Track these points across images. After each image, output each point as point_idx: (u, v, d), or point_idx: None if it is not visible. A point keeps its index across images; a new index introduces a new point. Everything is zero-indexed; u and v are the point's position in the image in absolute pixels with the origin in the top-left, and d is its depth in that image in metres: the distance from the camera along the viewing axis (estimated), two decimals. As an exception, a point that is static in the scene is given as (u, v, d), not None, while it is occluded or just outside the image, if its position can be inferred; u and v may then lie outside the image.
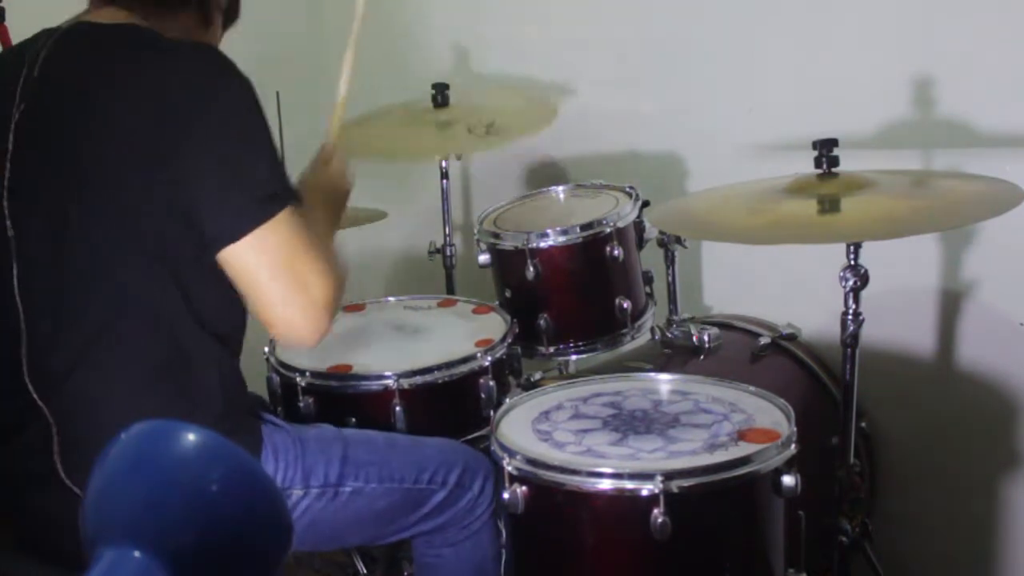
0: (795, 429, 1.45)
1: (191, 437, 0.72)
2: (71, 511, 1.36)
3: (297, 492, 1.52)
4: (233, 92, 1.39)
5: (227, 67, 1.40)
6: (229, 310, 1.48)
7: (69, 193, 1.38)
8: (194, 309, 1.42)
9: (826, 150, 1.64)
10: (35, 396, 1.40)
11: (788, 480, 1.40)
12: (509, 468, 1.44)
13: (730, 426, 1.49)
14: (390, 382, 1.75)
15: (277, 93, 2.17)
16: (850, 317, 1.63)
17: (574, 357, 2.09)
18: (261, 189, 1.37)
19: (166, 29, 1.46)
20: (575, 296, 2.08)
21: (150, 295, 1.40)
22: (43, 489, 1.40)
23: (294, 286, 1.37)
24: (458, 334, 1.93)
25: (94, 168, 1.38)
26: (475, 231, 2.14)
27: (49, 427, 1.39)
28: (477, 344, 1.86)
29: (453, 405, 1.81)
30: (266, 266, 1.36)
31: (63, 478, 1.38)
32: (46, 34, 1.46)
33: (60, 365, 1.40)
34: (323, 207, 1.59)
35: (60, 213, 1.38)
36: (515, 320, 1.94)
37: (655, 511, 1.33)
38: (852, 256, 1.61)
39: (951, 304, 2.09)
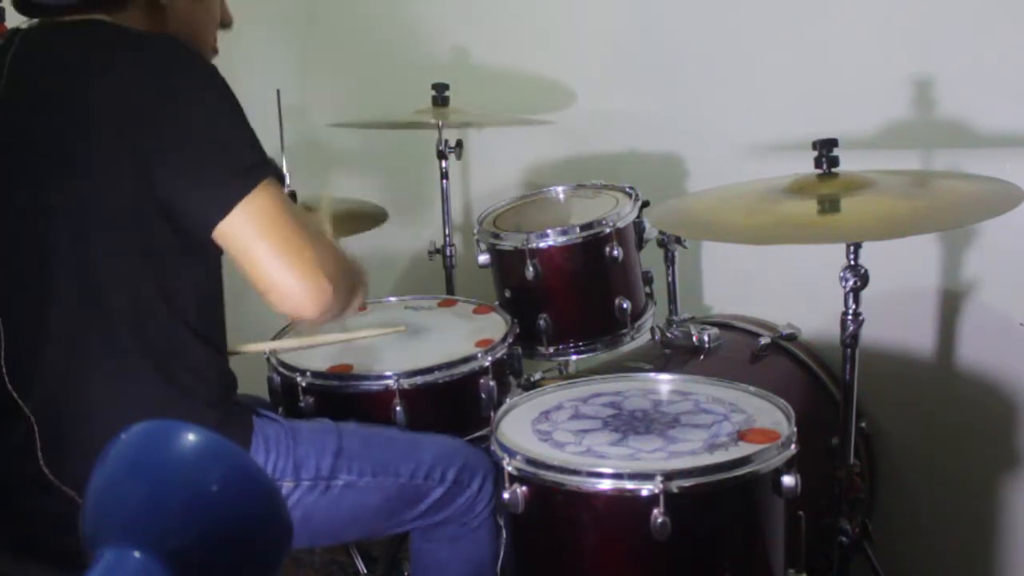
0: (795, 429, 1.45)
1: (191, 437, 0.72)
2: (60, 510, 1.37)
3: (288, 484, 1.52)
4: (195, 76, 1.39)
5: (187, 53, 1.41)
6: (211, 304, 1.49)
7: (47, 188, 1.39)
8: (175, 304, 1.42)
9: (826, 150, 1.64)
10: (14, 394, 1.39)
11: (788, 480, 1.40)
12: (509, 468, 1.44)
13: (730, 426, 1.50)
14: (391, 382, 1.75)
15: (278, 92, 2.18)
16: (850, 317, 1.63)
17: (574, 357, 2.09)
18: (239, 162, 1.37)
19: (131, 23, 1.46)
20: (575, 296, 2.08)
21: (129, 288, 1.40)
22: (31, 489, 1.40)
23: (288, 251, 1.36)
24: (458, 334, 1.93)
25: (70, 163, 1.38)
26: (475, 231, 2.14)
27: (31, 425, 1.39)
28: (477, 344, 1.86)
29: (454, 405, 1.81)
30: (258, 235, 1.35)
31: (49, 477, 1.38)
32: (12, 33, 1.47)
33: (37, 360, 1.40)
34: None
35: (38, 207, 1.39)
36: (515, 320, 1.94)
37: (655, 511, 1.33)
38: (852, 256, 1.61)
39: (951, 304, 2.09)
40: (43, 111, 1.40)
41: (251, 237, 1.35)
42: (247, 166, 1.37)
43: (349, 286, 1.46)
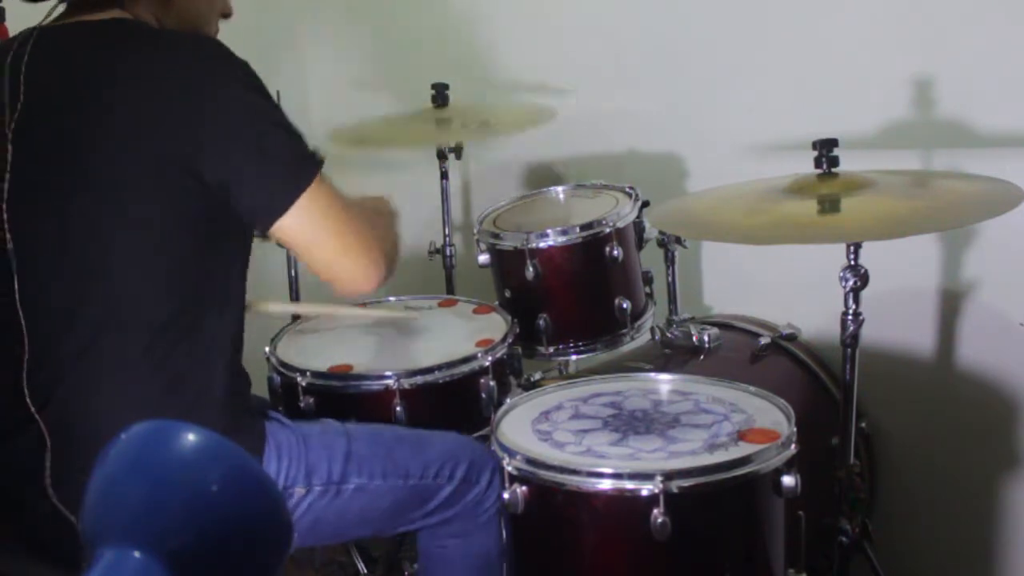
0: (795, 429, 1.45)
1: (191, 437, 0.72)
2: (52, 525, 1.35)
3: (300, 490, 1.51)
4: (236, 76, 1.40)
5: (224, 53, 1.42)
6: (229, 310, 1.48)
7: (69, 199, 1.37)
8: (192, 311, 1.41)
9: (826, 150, 1.64)
10: (31, 407, 1.38)
11: (788, 480, 1.40)
12: (509, 468, 1.44)
13: (730, 426, 1.50)
14: (391, 382, 1.75)
15: (277, 92, 2.17)
16: (850, 317, 1.63)
17: (574, 357, 2.09)
18: (292, 158, 1.41)
19: (143, 15, 1.46)
20: (575, 296, 2.08)
21: (147, 298, 1.39)
22: (27, 500, 1.39)
23: (349, 238, 1.45)
24: (459, 334, 1.93)
25: (95, 172, 1.36)
26: (475, 231, 2.14)
27: (43, 439, 1.37)
28: (478, 344, 1.86)
29: (454, 405, 1.81)
30: (320, 227, 1.42)
31: (48, 491, 1.36)
32: (26, 36, 1.44)
33: (55, 373, 1.39)
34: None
35: (60, 220, 1.38)
36: (516, 320, 1.94)
37: (655, 511, 1.33)
38: (852, 256, 1.61)
39: (951, 304, 2.09)
40: (66, 115, 1.38)
41: (315, 231, 1.43)
42: (299, 162, 1.41)
43: (395, 250, 1.60)
